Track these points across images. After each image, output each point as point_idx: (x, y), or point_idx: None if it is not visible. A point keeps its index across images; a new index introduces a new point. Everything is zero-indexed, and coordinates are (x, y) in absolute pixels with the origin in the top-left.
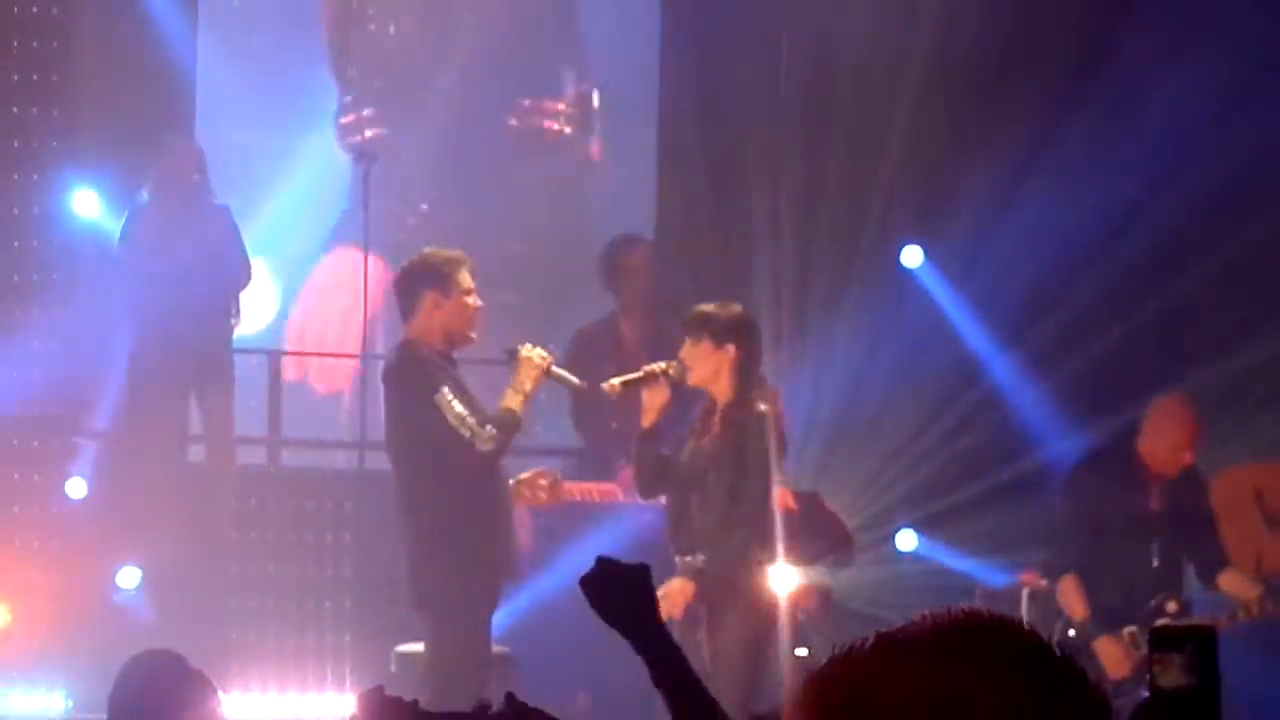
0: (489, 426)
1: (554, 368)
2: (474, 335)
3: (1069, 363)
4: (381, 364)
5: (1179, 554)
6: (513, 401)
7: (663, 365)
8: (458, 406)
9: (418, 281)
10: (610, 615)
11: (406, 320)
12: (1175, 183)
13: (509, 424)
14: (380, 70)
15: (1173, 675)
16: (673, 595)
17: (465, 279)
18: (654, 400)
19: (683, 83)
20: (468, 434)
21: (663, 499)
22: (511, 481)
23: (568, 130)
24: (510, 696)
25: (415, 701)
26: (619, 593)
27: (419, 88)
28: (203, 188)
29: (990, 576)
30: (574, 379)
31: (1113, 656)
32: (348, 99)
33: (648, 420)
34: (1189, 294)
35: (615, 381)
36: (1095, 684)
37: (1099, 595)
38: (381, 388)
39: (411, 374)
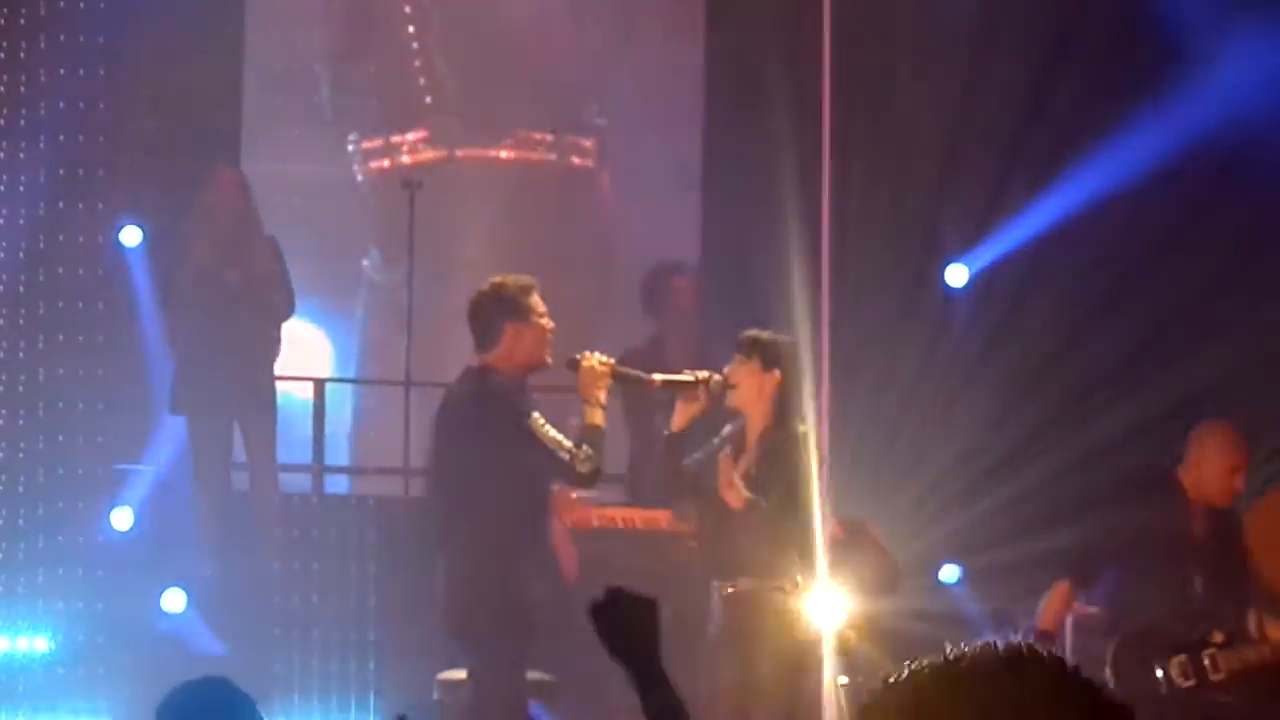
0: (585, 446)
1: (617, 368)
2: (550, 360)
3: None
4: (455, 393)
5: (1218, 586)
6: (595, 417)
7: (705, 374)
8: (552, 431)
9: (495, 312)
10: (614, 646)
11: (486, 350)
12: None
13: (599, 441)
14: (400, 100)
15: None
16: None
17: (538, 303)
18: (688, 408)
19: (727, 109)
20: (567, 456)
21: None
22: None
23: (589, 164)
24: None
25: None
26: (625, 624)
27: (435, 115)
28: (249, 217)
29: (1033, 608)
30: (639, 373)
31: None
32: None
33: (677, 425)
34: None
35: (658, 376)
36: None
37: (1134, 620)
38: (451, 417)
39: (501, 401)
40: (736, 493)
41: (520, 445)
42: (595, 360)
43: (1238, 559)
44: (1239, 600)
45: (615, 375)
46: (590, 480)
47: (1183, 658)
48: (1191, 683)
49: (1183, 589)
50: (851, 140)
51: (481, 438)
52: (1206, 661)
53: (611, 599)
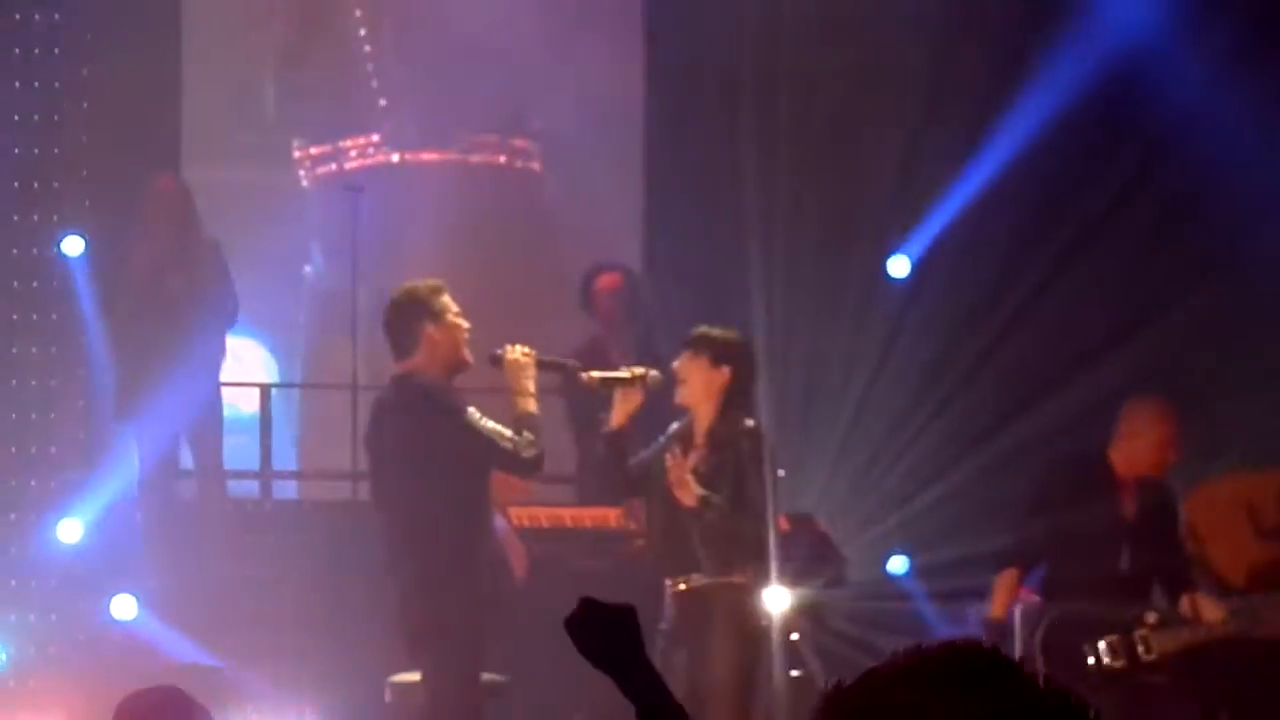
0: (525, 433)
1: (540, 357)
2: (470, 358)
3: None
4: (385, 402)
5: (1148, 564)
6: (526, 405)
7: (642, 371)
8: (490, 422)
9: (411, 318)
10: (596, 657)
11: (405, 357)
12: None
13: (537, 427)
14: (343, 101)
15: None
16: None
17: (451, 303)
18: (626, 405)
19: (668, 109)
20: (509, 445)
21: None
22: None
23: (534, 166)
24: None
25: None
26: (605, 634)
27: (381, 119)
28: (190, 223)
29: (982, 598)
30: (564, 360)
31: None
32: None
33: (617, 422)
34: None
35: (595, 374)
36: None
37: (1066, 601)
38: (386, 426)
39: (431, 400)
40: (689, 491)
41: (461, 440)
42: (519, 352)
43: (1170, 536)
44: (1172, 579)
45: (540, 364)
46: (535, 466)
47: (1113, 638)
48: (1121, 662)
49: (1112, 567)
50: (790, 136)
51: (420, 440)
52: (1138, 642)
53: (586, 611)
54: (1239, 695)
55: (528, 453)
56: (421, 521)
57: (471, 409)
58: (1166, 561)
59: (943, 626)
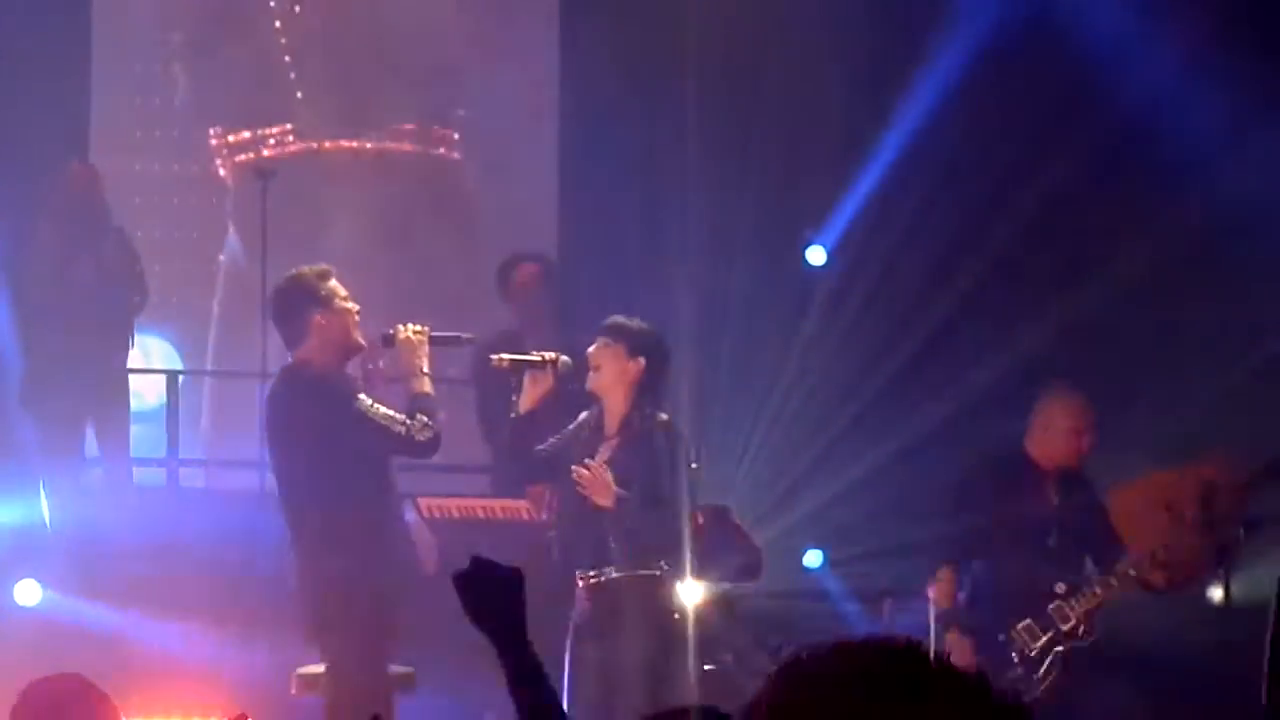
0: (419, 416)
1: (433, 334)
2: (362, 341)
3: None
4: (276, 392)
5: (1075, 547)
6: (422, 385)
7: (552, 355)
8: (382, 408)
9: (299, 304)
10: (479, 616)
11: (295, 346)
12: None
13: (432, 408)
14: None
15: None
16: (596, 481)
17: (337, 287)
18: (535, 389)
19: (583, 94)
20: (402, 430)
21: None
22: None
23: (456, 156)
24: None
25: None
26: (491, 594)
27: (300, 108)
28: (99, 210)
29: (899, 592)
30: (458, 334)
31: (961, 650)
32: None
33: (525, 406)
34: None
35: (505, 356)
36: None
37: (1000, 596)
38: (278, 417)
39: (322, 390)
40: (608, 493)
41: (353, 429)
42: (410, 330)
43: (1096, 520)
44: (1102, 552)
45: (433, 341)
46: (431, 448)
47: (1026, 622)
48: (1042, 640)
49: (1043, 558)
50: (710, 126)
51: (313, 430)
52: (1054, 614)
53: (475, 568)
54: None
55: (422, 435)
56: (319, 510)
57: (361, 395)
58: (1095, 544)
59: (859, 621)
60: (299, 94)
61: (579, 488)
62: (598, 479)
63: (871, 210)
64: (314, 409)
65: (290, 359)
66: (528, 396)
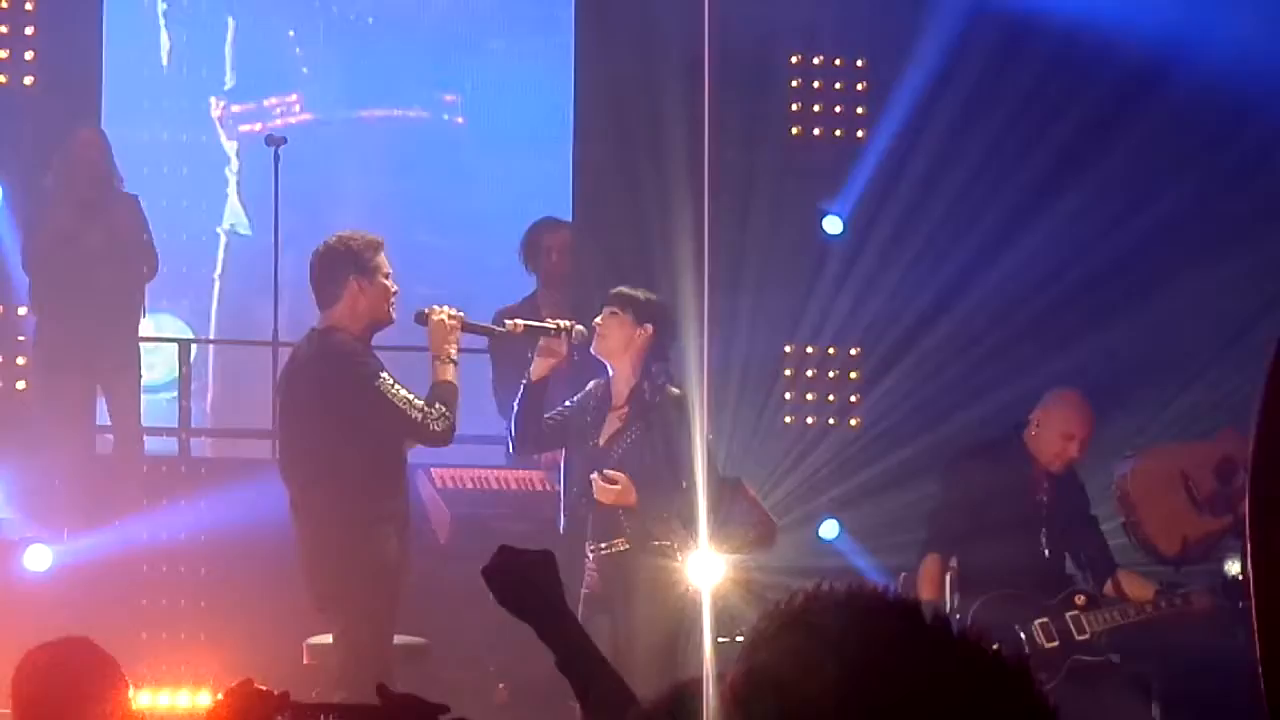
0: (437, 405)
1: (467, 321)
2: (394, 316)
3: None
4: (299, 356)
5: (1064, 548)
6: (446, 373)
7: (567, 323)
8: (402, 390)
9: (338, 268)
10: (515, 605)
11: (327, 307)
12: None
13: (452, 399)
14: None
15: None
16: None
17: (384, 262)
18: (548, 358)
19: (598, 65)
20: (419, 416)
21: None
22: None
23: (459, 120)
24: (381, 687)
25: (285, 693)
26: (524, 582)
27: (311, 78)
28: (109, 177)
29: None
30: (491, 326)
31: None
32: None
33: (537, 375)
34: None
35: (519, 322)
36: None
37: (986, 585)
38: (298, 381)
39: (346, 362)
40: (632, 495)
41: (370, 406)
42: (445, 313)
43: (1085, 521)
44: (1094, 561)
45: (465, 328)
46: (444, 439)
47: (1044, 620)
48: (1055, 643)
49: (1032, 553)
50: (727, 92)
51: (330, 400)
52: (1070, 624)
53: (504, 558)
54: (1169, 670)
55: (437, 425)
56: (327, 481)
57: (385, 374)
58: (1087, 548)
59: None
60: (304, 69)
61: (605, 500)
62: (620, 489)
63: (884, 177)
64: (334, 378)
65: (318, 322)
66: (540, 364)
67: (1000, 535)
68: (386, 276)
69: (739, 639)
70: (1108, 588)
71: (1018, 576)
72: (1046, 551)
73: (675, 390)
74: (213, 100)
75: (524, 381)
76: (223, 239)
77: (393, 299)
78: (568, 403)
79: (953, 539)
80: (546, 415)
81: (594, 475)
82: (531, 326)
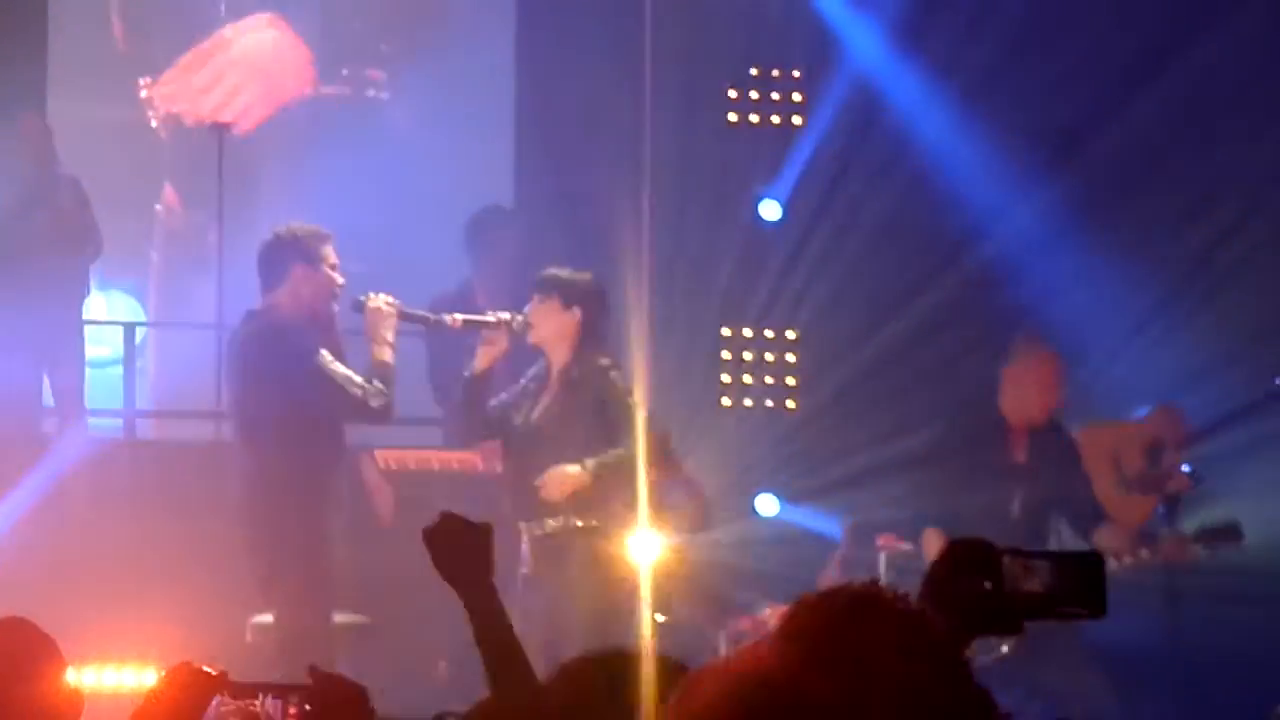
0: (375, 382)
1: (403, 309)
2: (335, 308)
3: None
4: (240, 334)
5: (1044, 505)
6: (383, 354)
7: (507, 315)
8: (341, 368)
9: (285, 255)
10: (448, 571)
11: (268, 290)
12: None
13: (389, 377)
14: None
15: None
16: (557, 483)
17: (330, 253)
18: (490, 349)
19: (539, 46)
20: (359, 393)
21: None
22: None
23: (383, 96)
24: (313, 668)
25: (223, 673)
26: (460, 548)
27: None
28: (52, 161)
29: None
30: (426, 314)
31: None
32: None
33: (480, 366)
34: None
35: (459, 316)
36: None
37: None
38: (238, 359)
39: (284, 338)
40: (577, 481)
41: (310, 383)
42: (382, 301)
43: (1070, 474)
44: (1079, 515)
45: (402, 316)
46: (383, 416)
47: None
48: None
49: (998, 513)
50: (664, 77)
51: (270, 377)
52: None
53: (445, 523)
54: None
55: (376, 401)
56: (267, 457)
57: (324, 352)
58: (1071, 500)
59: (814, 568)
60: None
61: (552, 496)
62: (562, 480)
63: (824, 162)
64: (274, 356)
65: (259, 304)
66: (482, 356)
67: (975, 500)
68: (333, 268)
69: (677, 618)
70: (1096, 541)
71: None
72: (1018, 512)
73: (604, 361)
74: (144, 81)
75: (466, 374)
76: (158, 220)
77: (336, 291)
78: (504, 395)
79: (943, 513)
80: (490, 402)
81: (539, 480)
82: (471, 321)
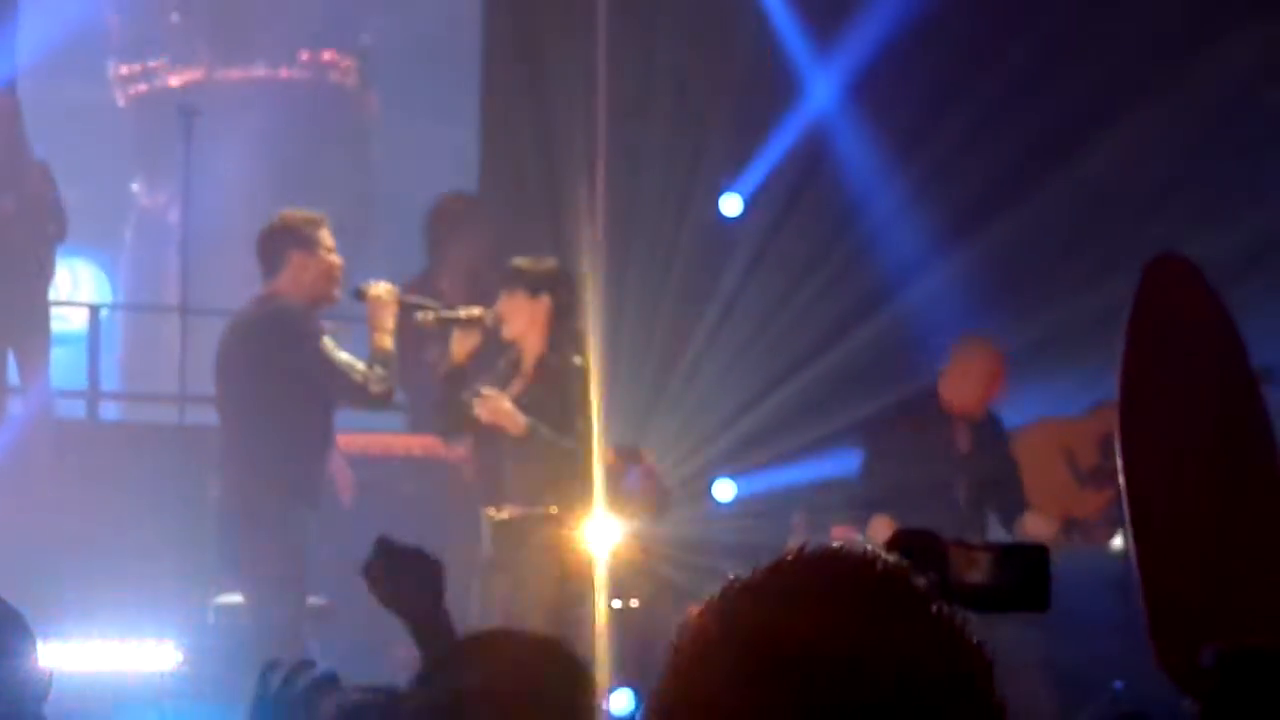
0: (377, 368)
1: (404, 297)
2: (338, 293)
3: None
4: (243, 318)
5: (982, 497)
6: (384, 342)
7: (479, 311)
8: (343, 354)
9: (282, 243)
10: (393, 601)
11: (270, 277)
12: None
13: (391, 363)
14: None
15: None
16: (492, 408)
17: (325, 237)
18: (464, 343)
19: (505, 33)
20: (360, 379)
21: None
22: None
23: (349, 82)
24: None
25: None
26: (404, 579)
27: (180, 34)
28: (20, 142)
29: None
30: (427, 301)
31: None
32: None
33: (455, 362)
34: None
35: (430, 314)
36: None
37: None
38: (240, 343)
39: (292, 325)
40: (512, 419)
41: (313, 368)
42: (383, 289)
43: (1002, 467)
44: (1006, 508)
45: (402, 304)
46: (384, 401)
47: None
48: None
49: (945, 499)
50: (627, 71)
51: (274, 362)
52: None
53: (383, 554)
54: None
55: (377, 387)
56: (259, 442)
57: (327, 338)
58: (1002, 494)
59: (771, 553)
60: (174, 18)
61: (482, 416)
62: (496, 406)
63: (789, 157)
64: (281, 339)
65: (263, 290)
66: (458, 350)
67: (920, 488)
68: (329, 251)
69: (633, 604)
70: (1018, 533)
71: (935, 527)
72: (962, 500)
73: (578, 360)
74: (111, 63)
75: (443, 369)
76: (133, 199)
77: (336, 274)
78: (478, 387)
79: (889, 500)
80: (463, 395)
81: (477, 395)
82: (443, 318)
